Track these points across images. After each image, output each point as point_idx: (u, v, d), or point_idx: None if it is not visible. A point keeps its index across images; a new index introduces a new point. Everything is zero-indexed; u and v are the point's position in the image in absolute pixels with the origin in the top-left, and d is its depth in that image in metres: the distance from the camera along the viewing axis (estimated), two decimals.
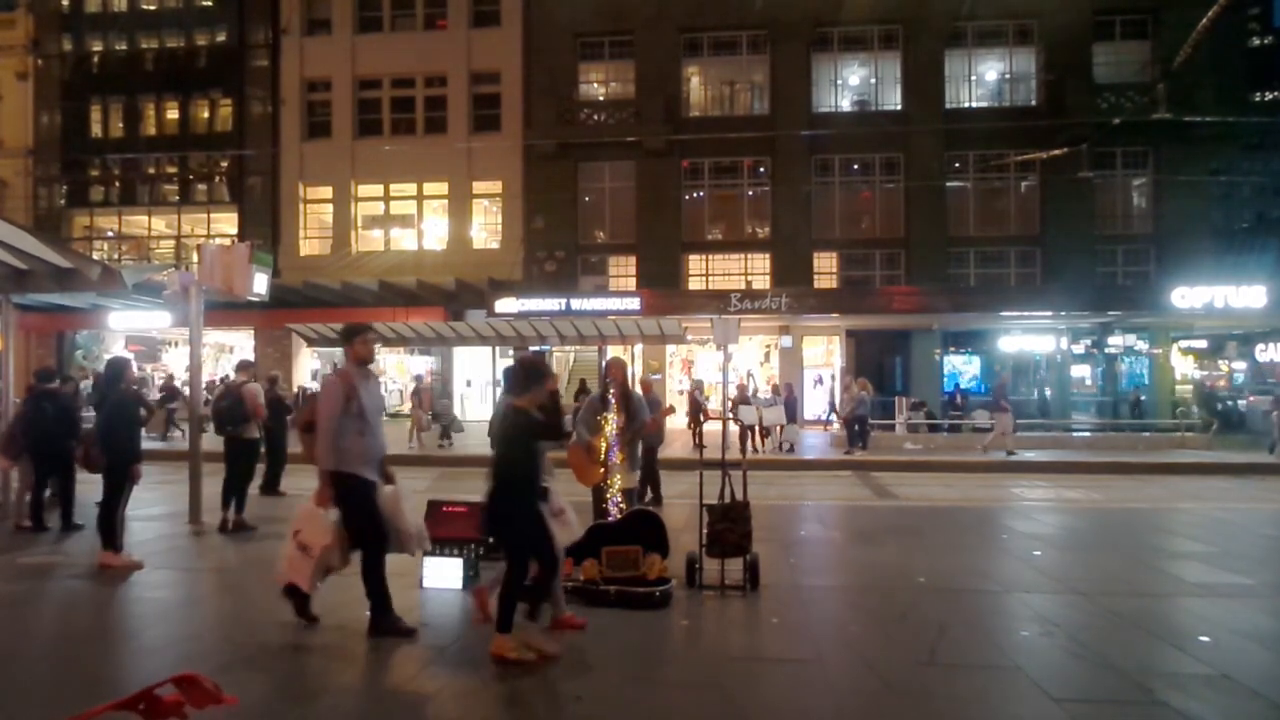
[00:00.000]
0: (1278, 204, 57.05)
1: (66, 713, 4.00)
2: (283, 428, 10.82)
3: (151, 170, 28.44)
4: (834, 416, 22.22)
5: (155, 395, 21.02)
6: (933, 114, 24.35)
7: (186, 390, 12.17)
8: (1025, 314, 22.43)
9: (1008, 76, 25.48)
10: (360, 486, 4.95)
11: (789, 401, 18.55)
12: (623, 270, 25.75)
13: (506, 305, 21.95)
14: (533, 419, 4.73)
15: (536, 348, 23.18)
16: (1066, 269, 23.47)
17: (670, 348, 24.57)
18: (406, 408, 27.66)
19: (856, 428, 17.00)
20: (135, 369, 9.38)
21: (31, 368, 9.53)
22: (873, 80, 25.70)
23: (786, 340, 24.31)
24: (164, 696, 2.30)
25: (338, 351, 26.25)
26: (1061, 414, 22.82)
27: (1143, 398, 23.24)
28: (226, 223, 27.82)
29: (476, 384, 25.87)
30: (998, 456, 15.81)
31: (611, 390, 6.66)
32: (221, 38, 27.96)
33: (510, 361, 7.05)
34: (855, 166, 25.38)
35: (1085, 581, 6.44)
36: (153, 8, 28.60)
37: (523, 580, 4.68)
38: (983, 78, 25.62)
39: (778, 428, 17.24)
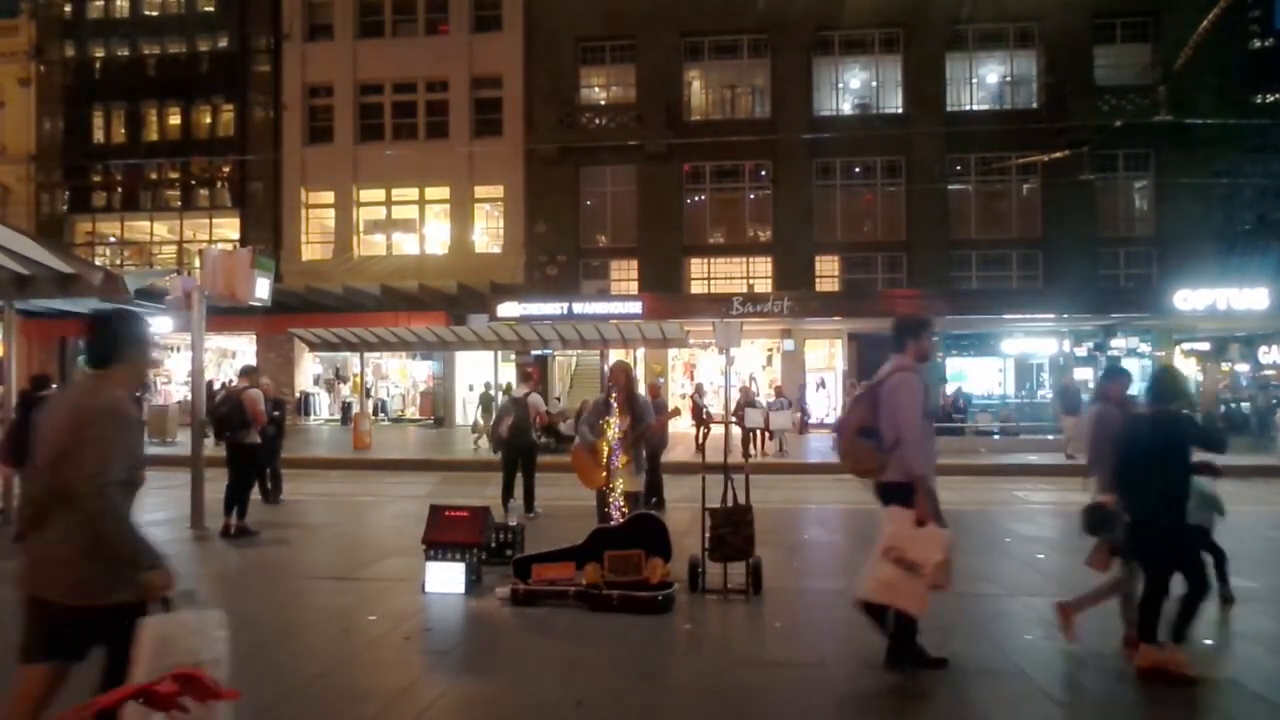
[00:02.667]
0: (1279, 206, 56.98)
1: None
2: (274, 434, 10.55)
3: (154, 176, 28.49)
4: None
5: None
6: (934, 117, 24.35)
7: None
8: (1027, 316, 22.41)
9: (1009, 79, 25.49)
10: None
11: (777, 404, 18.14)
12: (624, 274, 25.76)
13: (508, 309, 21.96)
14: (1198, 426, 4.68)
15: (538, 351, 23.19)
16: (1068, 271, 23.45)
17: (672, 351, 24.56)
18: (409, 412, 27.80)
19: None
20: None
21: (33, 374, 9.56)
22: (874, 83, 25.72)
23: (789, 343, 24.31)
24: (163, 689, 2.31)
25: (339, 356, 26.47)
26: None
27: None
28: (228, 228, 27.86)
29: (479, 388, 25.86)
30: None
31: (614, 394, 6.66)
32: (223, 43, 28.02)
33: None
34: (856, 169, 25.39)
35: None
36: (154, 14, 28.68)
37: (1164, 594, 4.45)
38: (984, 80, 25.63)
39: (784, 433, 17.30)
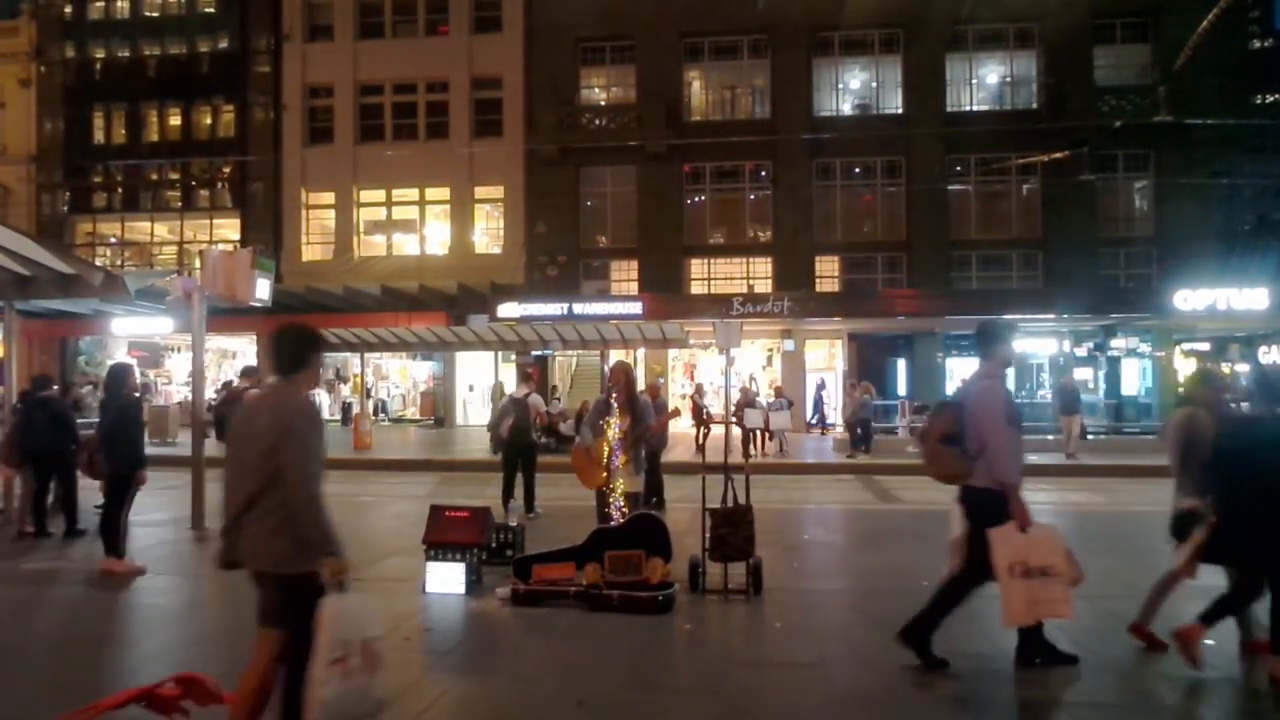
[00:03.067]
0: (1279, 206, 56.97)
1: None
2: None
3: (154, 176, 28.49)
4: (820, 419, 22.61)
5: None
6: (934, 117, 24.35)
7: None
8: (1027, 317, 22.39)
9: (1008, 79, 25.49)
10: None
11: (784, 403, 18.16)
12: (624, 274, 25.76)
13: (509, 310, 21.97)
14: None
15: (538, 352, 23.19)
16: (1068, 272, 23.45)
17: (672, 352, 24.57)
18: (409, 413, 27.80)
19: (859, 431, 16.98)
20: (138, 375, 9.40)
21: (34, 374, 9.57)
22: (874, 84, 25.72)
23: (789, 344, 24.31)
24: (165, 693, 2.33)
25: (339, 356, 26.44)
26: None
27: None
28: (229, 228, 27.86)
29: (479, 388, 25.90)
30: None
31: (615, 394, 6.67)
32: (224, 44, 28.03)
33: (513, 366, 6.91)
34: (856, 170, 25.39)
35: (1089, 585, 6.39)
36: (155, 14, 28.70)
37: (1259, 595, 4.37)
38: (984, 81, 25.63)
39: (784, 432, 17.33)
